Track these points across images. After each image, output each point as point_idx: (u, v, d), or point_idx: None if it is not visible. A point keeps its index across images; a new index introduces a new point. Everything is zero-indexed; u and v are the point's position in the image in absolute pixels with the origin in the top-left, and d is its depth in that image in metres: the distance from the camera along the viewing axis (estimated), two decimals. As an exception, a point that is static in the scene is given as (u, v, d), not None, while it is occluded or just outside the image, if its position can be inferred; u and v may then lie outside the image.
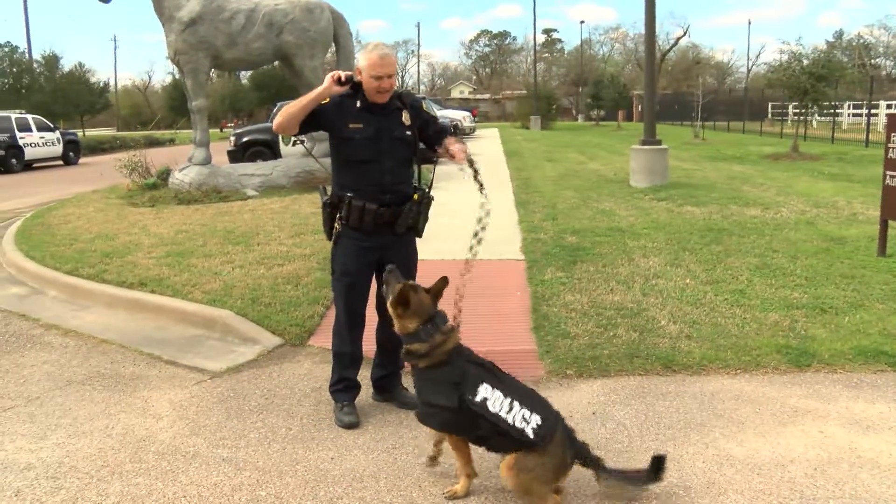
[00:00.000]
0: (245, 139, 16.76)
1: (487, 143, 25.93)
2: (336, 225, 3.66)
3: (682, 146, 22.22)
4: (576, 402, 3.90)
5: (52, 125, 25.34)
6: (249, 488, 3.12)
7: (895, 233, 7.03)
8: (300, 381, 4.33)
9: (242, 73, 52.77)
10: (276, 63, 14.10)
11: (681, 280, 5.96)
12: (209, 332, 5.27)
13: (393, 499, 3.03)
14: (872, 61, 62.08)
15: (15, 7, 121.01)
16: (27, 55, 44.43)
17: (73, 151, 25.66)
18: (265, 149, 16.26)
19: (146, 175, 12.98)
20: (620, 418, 3.70)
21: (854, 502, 2.91)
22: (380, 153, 3.55)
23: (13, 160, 22.07)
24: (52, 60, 45.67)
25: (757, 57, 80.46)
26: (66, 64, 48.15)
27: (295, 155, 14.42)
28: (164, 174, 12.71)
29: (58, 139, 24.56)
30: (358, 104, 3.57)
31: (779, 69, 18.63)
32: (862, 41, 63.98)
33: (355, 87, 3.55)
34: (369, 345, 3.94)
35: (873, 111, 23.74)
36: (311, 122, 3.56)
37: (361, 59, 3.51)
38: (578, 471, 3.08)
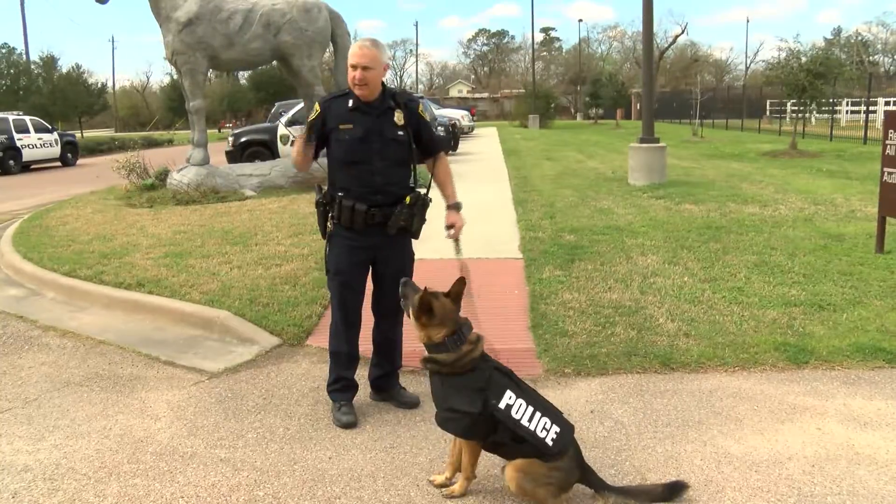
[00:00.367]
0: (243, 139, 16.77)
1: (486, 143, 25.94)
2: (329, 224, 3.67)
3: (680, 144, 22.24)
4: (574, 400, 3.90)
5: (49, 126, 25.35)
6: (247, 488, 3.12)
7: (893, 229, 7.04)
8: (298, 381, 4.33)
9: (241, 73, 52.80)
10: (275, 63, 14.08)
11: (679, 278, 5.96)
12: (207, 332, 5.27)
13: (391, 498, 3.03)
14: (871, 58, 62.14)
15: (12, 9, 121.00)
16: (25, 56, 44.40)
17: (70, 153, 25.67)
18: (263, 149, 16.28)
19: (144, 176, 12.97)
20: (618, 416, 3.70)
21: (852, 499, 2.91)
22: (370, 154, 3.52)
23: (11, 162, 22.08)
24: (49, 62, 45.66)
25: (755, 55, 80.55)
26: (64, 65, 48.27)
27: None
28: (162, 175, 12.70)
29: (56, 140, 24.56)
30: (350, 104, 3.56)
31: (777, 67, 18.65)
32: (860, 38, 64.07)
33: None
34: (367, 344, 3.94)
35: (871, 108, 23.73)
36: (321, 141, 3.61)
37: None
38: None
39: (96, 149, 31.42)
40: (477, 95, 73.86)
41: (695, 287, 5.70)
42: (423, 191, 3.69)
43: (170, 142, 36.86)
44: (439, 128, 18.52)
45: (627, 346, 4.55)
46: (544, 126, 40.04)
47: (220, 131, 46.38)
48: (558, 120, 48.11)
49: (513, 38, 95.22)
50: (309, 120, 3.66)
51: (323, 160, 3.76)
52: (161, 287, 6.04)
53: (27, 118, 24.21)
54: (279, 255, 7.12)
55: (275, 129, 16.60)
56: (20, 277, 7.13)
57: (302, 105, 14.82)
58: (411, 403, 3.90)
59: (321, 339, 4.78)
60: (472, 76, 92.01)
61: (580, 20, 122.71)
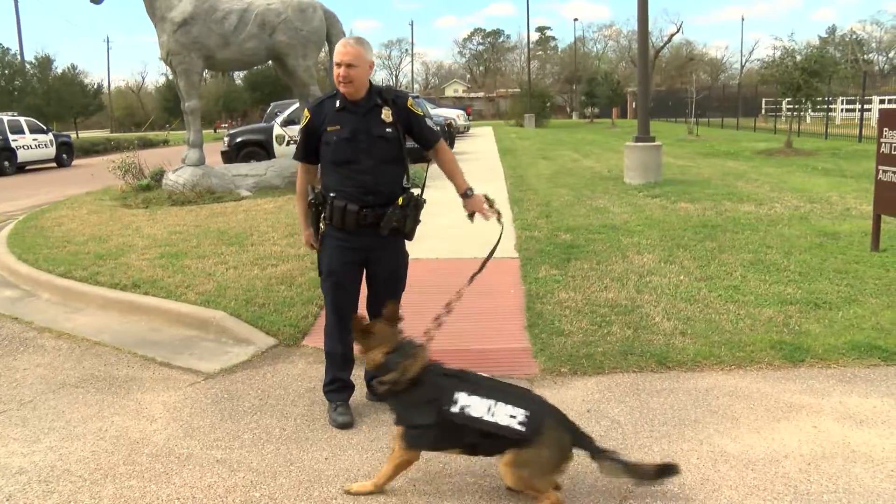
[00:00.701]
0: (239, 140, 16.74)
1: (482, 142, 25.94)
2: (322, 225, 3.66)
3: (676, 143, 22.27)
4: (570, 399, 3.90)
5: (44, 127, 25.27)
6: (243, 489, 3.11)
7: (888, 228, 7.06)
8: (294, 381, 4.32)
9: (236, 73, 52.70)
10: (270, 63, 14.07)
11: (675, 277, 5.96)
12: (203, 333, 5.26)
13: (387, 499, 3.02)
14: (865, 57, 62.26)
15: (6, 9, 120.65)
16: (19, 57, 44.28)
17: (66, 153, 25.59)
18: (259, 149, 16.25)
19: (139, 176, 12.95)
20: (615, 415, 3.70)
21: (848, 496, 2.92)
22: (358, 153, 3.50)
23: (6, 163, 22.01)
24: (44, 62, 45.54)
25: (750, 53, 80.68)
26: (59, 66, 48.16)
27: (289, 155, 14.36)
28: (158, 175, 12.68)
29: (51, 141, 24.49)
30: (337, 105, 3.55)
31: (772, 65, 18.68)
32: (855, 37, 64.14)
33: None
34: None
35: (866, 106, 23.78)
36: (313, 147, 3.62)
37: None
38: (577, 468, 3.08)
39: (92, 149, 31.34)
40: (472, 95, 73.83)
41: (691, 286, 5.71)
42: (416, 191, 3.67)
43: (165, 142, 36.80)
44: (435, 128, 18.50)
45: (624, 345, 4.55)
46: (540, 125, 40.04)
47: (215, 131, 46.30)
48: (554, 119, 48.14)
49: (508, 37, 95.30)
50: (300, 127, 3.68)
51: None
52: (157, 288, 6.03)
53: (22, 119, 24.14)
54: (275, 255, 7.11)
55: (270, 130, 16.57)
56: (15, 279, 7.11)
57: (297, 105, 14.81)
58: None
59: (317, 339, 4.78)
60: (468, 75, 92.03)
61: (575, 19, 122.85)
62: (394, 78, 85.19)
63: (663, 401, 3.85)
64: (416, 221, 3.68)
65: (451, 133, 21.62)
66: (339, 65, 3.44)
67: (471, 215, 3.62)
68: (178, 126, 44.90)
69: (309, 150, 3.65)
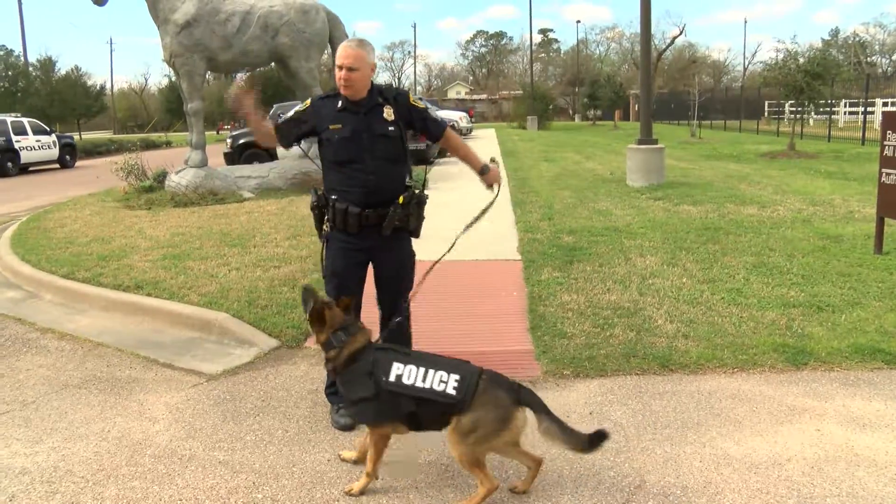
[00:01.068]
0: (241, 141, 16.76)
1: (484, 144, 25.92)
2: (325, 226, 3.66)
3: (678, 145, 22.26)
4: (573, 402, 3.90)
5: (48, 128, 25.29)
6: (246, 491, 3.11)
7: (891, 230, 7.05)
8: (297, 383, 4.32)
9: (239, 75, 52.67)
10: (273, 65, 14.09)
11: (677, 279, 5.96)
12: (205, 334, 5.26)
13: (389, 500, 3.02)
14: (868, 59, 62.21)
15: (10, 10, 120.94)
16: (23, 59, 44.36)
17: (69, 155, 25.62)
18: (261, 151, 16.26)
19: (142, 178, 12.97)
20: (617, 418, 3.70)
21: (851, 500, 2.91)
22: (360, 152, 3.49)
23: (9, 164, 22.03)
24: (47, 64, 45.57)
25: (753, 55, 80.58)
26: (62, 67, 48.19)
27: (291, 157, 14.38)
28: (161, 177, 12.71)
29: (54, 142, 24.51)
30: (339, 105, 3.55)
31: (774, 67, 18.67)
32: (858, 39, 64.14)
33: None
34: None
35: (869, 109, 23.76)
36: (294, 131, 3.64)
37: None
38: (580, 468, 3.08)
39: (94, 151, 31.38)
40: (475, 97, 73.85)
41: (693, 288, 5.70)
42: (418, 189, 3.67)
43: (168, 144, 36.84)
44: (439, 118, 18.54)
45: (626, 347, 4.55)
46: (542, 127, 40.06)
47: (218, 133, 46.31)
48: (556, 121, 48.19)
49: (511, 39, 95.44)
50: (296, 110, 3.70)
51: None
52: (159, 289, 6.03)
53: (25, 120, 24.17)
54: (277, 256, 7.12)
55: (273, 132, 16.57)
56: (18, 279, 7.12)
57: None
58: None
59: (320, 341, 4.77)
60: (471, 77, 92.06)
61: (578, 21, 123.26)
62: (396, 80, 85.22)
63: (666, 403, 3.85)
64: (421, 219, 3.68)
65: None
66: (340, 67, 3.45)
67: (490, 186, 3.74)
68: (180, 128, 44.99)
69: (290, 129, 3.66)
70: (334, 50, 13.63)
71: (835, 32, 70.66)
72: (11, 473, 3.31)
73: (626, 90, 49.05)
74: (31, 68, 44.39)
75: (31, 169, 23.68)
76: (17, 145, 22.49)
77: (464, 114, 33.59)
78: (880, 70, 61.80)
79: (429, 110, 3.74)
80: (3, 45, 43.23)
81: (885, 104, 26.14)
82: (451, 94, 74.74)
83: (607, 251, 7.03)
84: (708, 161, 16.81)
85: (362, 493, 3.05)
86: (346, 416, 3.71)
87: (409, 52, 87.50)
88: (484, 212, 3.77)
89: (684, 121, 36.70)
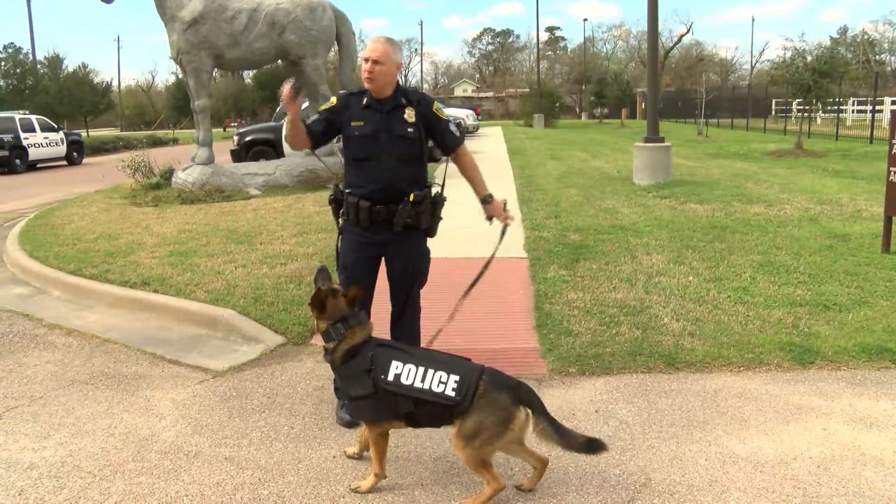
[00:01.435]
0: (248, 138, 16.77)
1: (491, 142, 25.92)
2: (340, 220, 3.72)
3: (685, 143, 22.20)
4: (578, 399, 3.90)
5: (55, 126, 25.40)
6: (251, 487, 3.13)
7: (899, 229, 7.01)
8: (302, 379, 4.33)
9: (245, 72, 52.85)
10: (279, 62, 14.10)
11: (684, 278, 5.95)
12: (212, 331, 5.27)
13: (395, 497, 3.03)
14: (877, 57, 61.91)
15: (19, 8, 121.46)
16: (31, 56, 44.56)
17: (76, 152, 25.73)
18: (268, 148, 16.28)
19: (149, 175, 13.00)
20: (623, 416, 3.70)
21: (858, 500, 2.90)
22: (379, 150, 3.56)
23: (17, 161, 22.13)
24: (55, 61, 45.80)
25: (760, 54, 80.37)
26: (70, 64, 48.47)
27: (298, 154, 14.41)
28: (168, 174, 12.74)
29: (61, 139, 24.63)
30: (364, 102, 3.61)
31: (782, 66, 18.58)
32: (866, 37, 63.81)
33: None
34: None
35: (878, 107, 23.62)
36: (327, 131, 3.68)
37: None
38: (585, 468, 3.08)
39: (102, 148, 31.50)
40: (482, 94, 73.80)
41: (700, 287, 5.69)
42: (435, 189, 3.70)
43: (175, 141, 36.93)
44: (457, 133, 18.55)
45: (632, 345, 4.54)
46: (549, 125, 40.00)
47: (225, 130, 46.45)
48: (563, 119, 48.09)
49: (518, 37, 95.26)
50: (322, 108, 3.74)
51: (328, 159, 3.79)
52: (166, 286, 6.06)
53: (33, 117, 24.28)
54: (284, 253, 7.13)
55: (279, 129, 16.58)
56: (26, 276, 7.16)
57: (307, 104, 14.84)
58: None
59: (326, 338, 4.78)
60: (477, 75, 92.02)
61: (585, 19, 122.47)
62: (403, 77, 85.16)
63: (672, 402, 3.84)
64: (436, 218, 3.72)
65: (460, 133, 21.61)
66: (367, 60, 3.51)
67: (489, 219, 3.74)
68: (187, 125, 45.08)
69: (317, 127, 3.68)
70: (341, 47, 13.71)
71: (843, 30, 70.42)
72: (20, 468, 3.33)
73: (632, 88, 48.91)
74: (39, 66, 44.60)
75: (39, 166, 23.79)
76: (25, 142, 22.60)
77: (470, 111, 33.58)
78: (889, 68, 61.42)
79: (450, 123, 3.76)
80: (12, 43, 43.51)
81: (893, 102, 25.96)
82: (458, 92, 74.75)
83: (613, 249, 7.02)
84: (715, 159, 16.76)
85: (370, 491, 3.05)
86: None
87: (416, 50, 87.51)
88: (500, 242, 3.84)
89: (691, 119, 36.60)
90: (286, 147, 15.97)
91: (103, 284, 6.28)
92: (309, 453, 3.42)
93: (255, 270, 6.50)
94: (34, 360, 4.82)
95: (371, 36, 3.70)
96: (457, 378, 2.84)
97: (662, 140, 12.50)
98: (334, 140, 3.85)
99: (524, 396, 2.86)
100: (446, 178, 3.84)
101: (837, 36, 65.93)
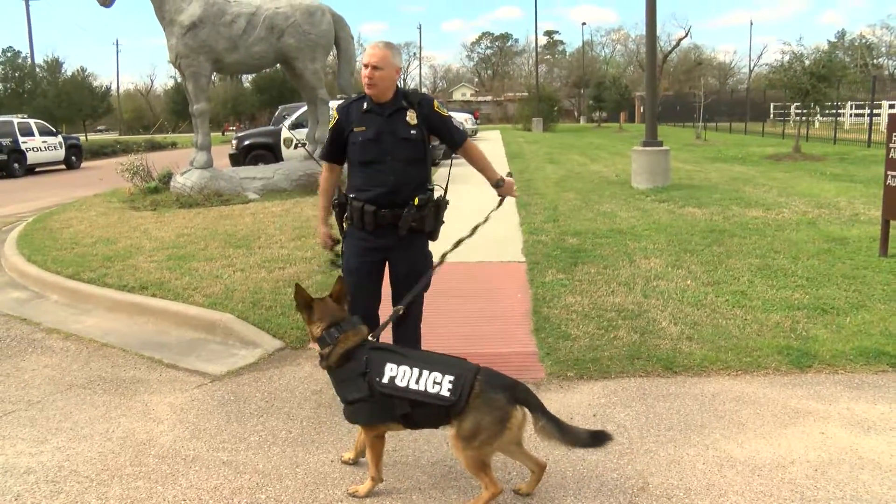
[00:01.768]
0: (247, 142, 16.80)
1: (490, 146, 25.93)
2: (344, 224, 3.75)
3: (683, 147, 22.22)
4: (576, 403, 3.90)
5: (54, 129, 25.40)
6: (249, 491, 3.12)
7: (897, 233, 7.02)
8: (301, 384, 4.33)
9: (244, 76, 52.87)
10: (278, 66, 14.12)
11: (682, 281, 5.95)
12: (210, 335, 5.27)
13: (392, 502, 3.02)
14: (875, 61, 62.02)
15: (17, 12, 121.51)
16: (30, 60, 44.57)
17: (75, 156, 25.72)
18: (267, 152, 16.31)
19: (148, 179, 13.00)
20: (621, 420, 3.70)
21: (855, 503, 2.90)
22: (382, 154, 3.57)
23: (15, 164, 22.14)
24: (54, 65, 45.80)
25: (759, 57, 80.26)
26: (69, 68, 48.42)
27: (297, 158, 14.45)
28: (166, 178, 12.73)
29: (60, 143, 24.62)
30: (364, 107, 3.63)
31: (780, 70, 18.61)
32: (864, 41, 63.93)
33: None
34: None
35: (875, 111, 23.66)
36: (340, 148, 3.73)
37: None
38: (583, 470, 3.08)
39: (100, 152, 31.49)
40: (480, 98, 73.92)
41: (698, 290, 5.69)
42: (437, 194, 3.72)
43: (173, 145, 36.92)
44: (461, 127, 18.58)
45: (630, 349, 4.55)
46: (547, 129, 40.06)
47: (223, 134, 46.44)
48: (561, 123, 48.15)
49: (516, 41, 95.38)
50: (329, 128, 3.78)
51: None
52: (164, 290, 6.05)
53: (32, 121, 24.28)
54: (282, 258, 7.13)
55: (278, 133, 16.63)
56: (24, 280, 7.15)
57: (305, 109, 14.86)
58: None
59: (324, 342, 4.78)
60: (476, 79, 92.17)
61: (583, 23, 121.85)
62: (402, 81, 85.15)
63: (669, 405, 3.84)
64: (438, 222, 3.75)
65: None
66: (366, 66, 3.53)
67: (502, 197, 3.86)
68: (186, 128, 45.08)
69: (334, 150, 3.76)
70: (340, 51, 13.72)
71: (841, 34, 70.46)
72: (17, 473, 3.33)
73: (631, 92, 49.07)
74: (37, 69, 44.59)
75: (37, 170, 23.78)
76: (23, 146, 22.60)
77: (469, 115, 33.57)
78: (886, 72, 61.53)
79: (452, 118, 3.79)
80: (11, 47, 43.47)
81: (891, 106, 26.00)
82: (457, 96, 74.86)
83: (612, 253, 7.02)
84: (713, 163, 16.78)
85: (367, 496, 3.05)
86: None
87: (415, 54, 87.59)
88: (494, 210, 3.87)
89: (689, 123, 36.63)
90: (284, 151, 16.02)
91: (101, 288, 6.27)
92: (307, 458, 3.42)
93: (254, 274, 6.50)
94: (32, 365, 4.82)
95: (370, 40, 3.75)
96: (451, 378, 2.83)
97: (661, 144, 12.52)
98: None
99: (520, 395, 2.86)
100: (449, 181, 3.85)
101: (835, 40, 66.01)
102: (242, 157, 16.38)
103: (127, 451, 3.52)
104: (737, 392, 3.98)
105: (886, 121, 7.93)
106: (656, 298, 5.53)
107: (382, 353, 3.01)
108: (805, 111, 19.29)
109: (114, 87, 63.66)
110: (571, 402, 3.90)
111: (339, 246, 3.90)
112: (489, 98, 73.92)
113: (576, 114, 65.14)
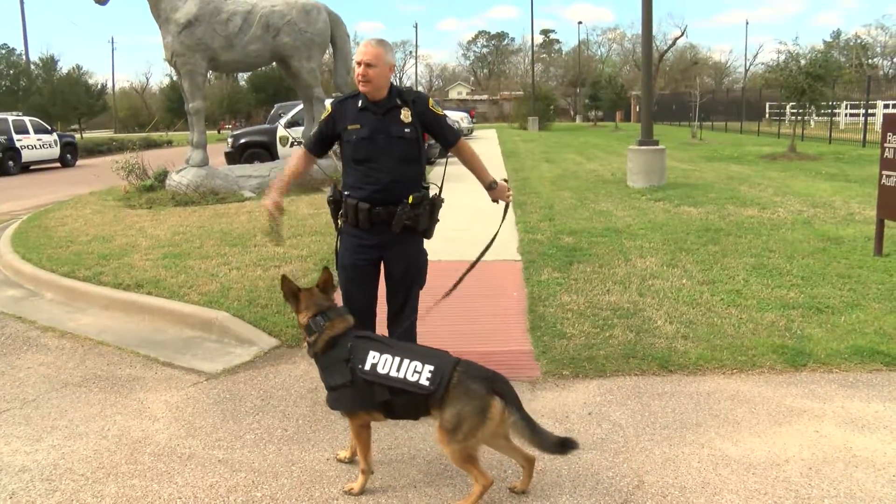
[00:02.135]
0: (242, 141, 16.78)
1: (485, 144, 25.93)
2: (339, 221, 3.74)
3: (679, 146, 22.26)
4: (572, 402, 3.90)
5: (49, 127, 25.31)
6: (245, 489, 3.12)
7: (891, 232, 7.06)
8: (296, 382, 4.33)
9: (240, 74, 52.79)
10: (274, 64, 14.10)
11: (677, 280, 5.96)
12: (206, 333, 5.27)
13: (388, 500, 3.03)
14: (870, 61, 62.17)
15: (12, 9, 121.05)
16: (24, 57, 44.43)
17: (70, 153, 25.63)
18: (262, 150, 16.29)
19: (143, 177, 12.96)
20: (616, 418, 3.70)
21: (849, 501, 2.91)
22: (377, 152, 3.57)
23: (10, 162, 22.05)
24: (49, 63, 45.65)
25: (754, 57, 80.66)
26: (64, 66, 48.23)
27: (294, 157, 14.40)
28: (161, 176, 12.70)
29: (55, 141, 24.52)
30: (359, 104, 3.62)
31: (776, 69, 18.67)
32: (859, 41, 64.09)
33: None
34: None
35: (870, 111, 23.75)
36: (324, 142, 3.75)
37: None
38: (578, 469, 3.08)
39: (96, 150, 31.40)
40: (476, 97, 73.82)
41: (693, 289, 5.70)
42: (432, 192, 3.71)
43: (169, 143, 36.86)
44: (456, 126, 18.57)
45: (626, 348, 4.56)
46: (543, 128, 40.05)
47: (219, 133, 46.37)
48: (557, 122, 48.12)
49: (512, 39, 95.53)
50: (321, 119, 3.77)
51: (322, 162, 3.81)
52: (160, 288, 6.04)
53: (26, 119, 24.18)
54: (278, 256, 7.12)
55: (274, 131, 16.61)
56: (19, 278, 7.13)
57: (301, 107, 14.84)
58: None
59: (320, 340, 4.78)
60: (472, 78, 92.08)
61: (580, 22, 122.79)
62: (398, 80, 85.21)
63: (665, 404, 3.85)
64: (433, 220, 3.74)
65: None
66: (359, 63, 3.53)
67: (495, 201, 3.84)
68: (181, 127, 45.00)
69: (319, 142, 3.76)
70: (336, 50, 13.71)
71: (836, 34, 70.54)
72: (11, 471, 3.32)
73: (627, 91, 49.04)
74: (32, 67, 44.44)
75: (32, 168, 23.69)
76: (18, 144, 22.50)
77: (465, 114, 33.54)
78: (881, 72, 61.73)
79: (446, 117, 3.79)
80: (5, 44, 43.40)
81: (886, 106, 26.09)
82: (453, 95, 74.78)
83: (607, 252, 7.03)
84: (709, 162, 16.81)
85: (362, 491, 3.06)
86: None
87: (411, 53, 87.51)
88: (504, 218, 3.93)
89: (685, 122, 36.71)
90: (280, 150, 16.01)
91: (97, 287, 6.26)
92: (302, 456, 3.42)
93: (250, 273, 6.50)
94: (27, 363, 4.81)
95: (366, 39, 3.72)
96: (431, 368, 2.86)
97: (657, 143, 12.54)
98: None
99: (498, 387, 2.86)
100: (444, 179, 3.85)
101: (831, 40, 66.10)
102: (238, 155, 16.36)
103: (122, 449, 3.52)
104: (732, 391, 3.99)
105: (881, 120, 7.95)
106: (652, 297, 5.54)
107: (366, 342, 3.05)
108: (801, 111, 19.35)
109: (109, 84, 63.56)
110: (567, 401, 3.91)
111: (281, 218, 3.88)
112: (485, 97, 73.81)
113: (572, 113, 65.12)
